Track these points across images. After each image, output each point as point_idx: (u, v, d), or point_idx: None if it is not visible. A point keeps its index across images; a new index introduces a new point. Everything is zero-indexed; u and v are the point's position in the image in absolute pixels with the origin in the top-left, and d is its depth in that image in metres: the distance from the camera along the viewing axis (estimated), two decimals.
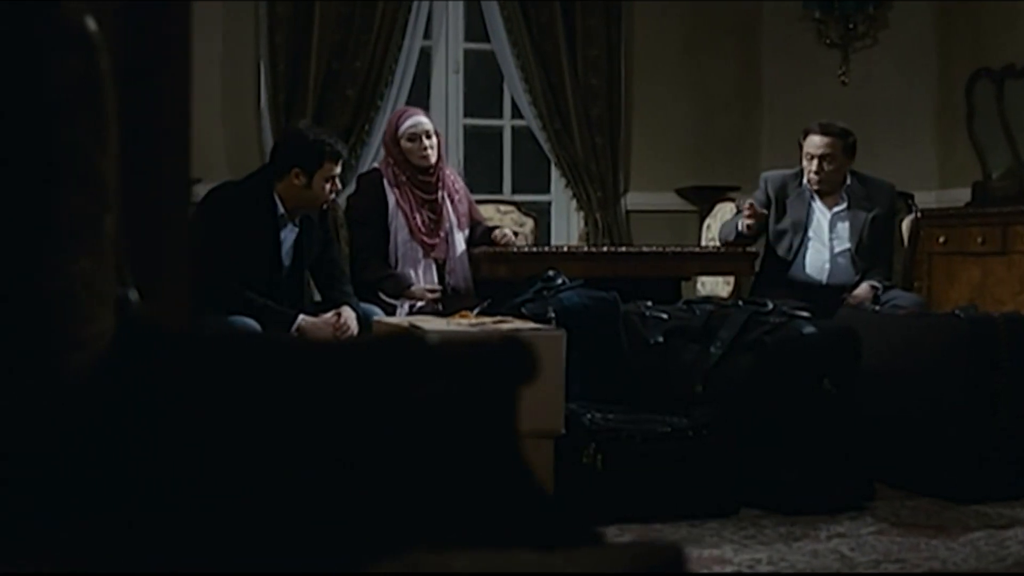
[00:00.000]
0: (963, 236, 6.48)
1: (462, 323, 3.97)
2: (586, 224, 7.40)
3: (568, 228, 7.60)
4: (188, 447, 1.44)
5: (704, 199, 7.27)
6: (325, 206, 4.87)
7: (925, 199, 7.21)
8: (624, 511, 3.90)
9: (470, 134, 7.45)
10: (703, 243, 6.71)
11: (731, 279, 6.30)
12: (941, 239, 6.55)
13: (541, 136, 7.35)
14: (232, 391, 1.46)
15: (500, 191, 7.47)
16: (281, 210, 4.76)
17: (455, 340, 1.49)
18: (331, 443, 1.42)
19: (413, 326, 3.89)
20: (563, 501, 1.38)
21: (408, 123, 5.37)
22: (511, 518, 1.35)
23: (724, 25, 7.68)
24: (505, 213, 6.71)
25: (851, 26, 7.56)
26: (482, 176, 7.51)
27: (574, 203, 7.45)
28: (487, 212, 6.60)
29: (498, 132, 7.57)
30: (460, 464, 1.38)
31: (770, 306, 4.32)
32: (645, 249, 5.77)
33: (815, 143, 5.71)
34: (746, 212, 5.64)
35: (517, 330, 3.92)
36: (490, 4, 7.29)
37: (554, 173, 7.52)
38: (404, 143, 5.35)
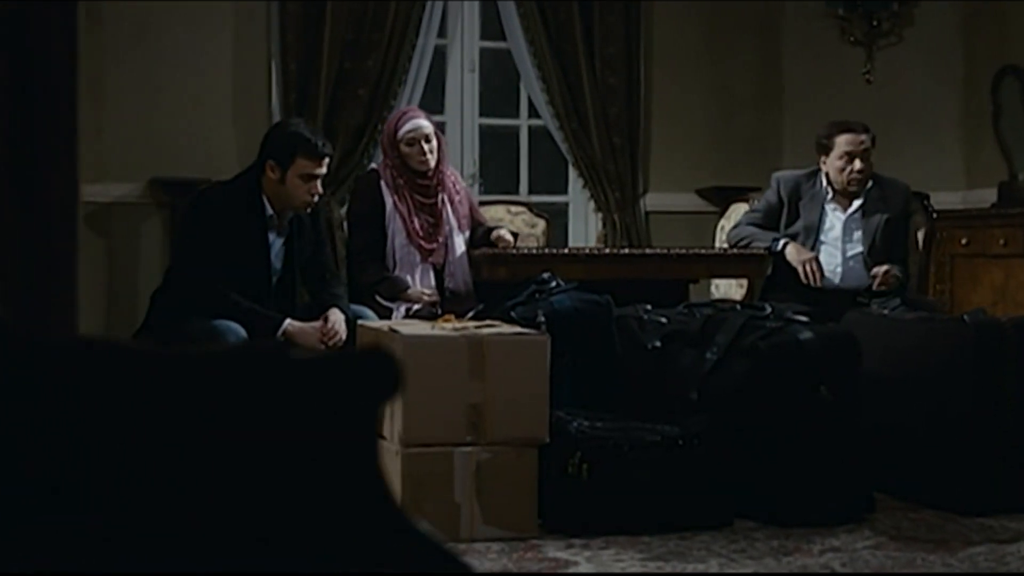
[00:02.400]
0: (985, 238, 6.31)
1: (445, 327, 3.87)
2: (604, 226, 7.27)
3: (586, 230, 7.47)
4: (36, 457, 1.35)
5: (725, 200, 7.13)
6: (309, 209, 4.73)
7: (951, 200, 7.06)
8: (611, 523, 3.78)
9: (486, 134, 7.34)
10: (717, 245, 6.57)
11: (744, 282, 6.16)
12: (963, 241, 6.39)
13: (558, 136, 7.23)
14: (85, 401, 1.37)
15: (516, 192, 7.36)
16: (269, 211, 4.66)
17: (322, 353, 1.40)
18: (181, 456, 1.33)
19: (392, 330, 3.79)
20: (417, 524, 1.28)
21: (407, 127, 5.25)
22: (360, 541, 1.26)
23: (745, 23, 7.53)
24: (516, 214, 6.61)
25: (875, 24, 7.39)
26: (498, 177, 7.41)
27: (592, 204, 7.33)
28: (498, 213, 6.50)
29: (514, 132, 7.46)
30: (308, 484, 1.28)
31: (768, 310, 4.19)
32: (649, 251, 5.64)
33: (854, 141, 5.52)
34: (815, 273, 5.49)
35: (500, 334, 3.81)
36: (506, 2, 7.18)
37: (572, 174, 7.40)
38: (403, 147, 5.24)
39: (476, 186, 7.16)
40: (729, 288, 6.42)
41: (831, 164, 5.58)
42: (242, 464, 1.30)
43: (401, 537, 1.27)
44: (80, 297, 5.72)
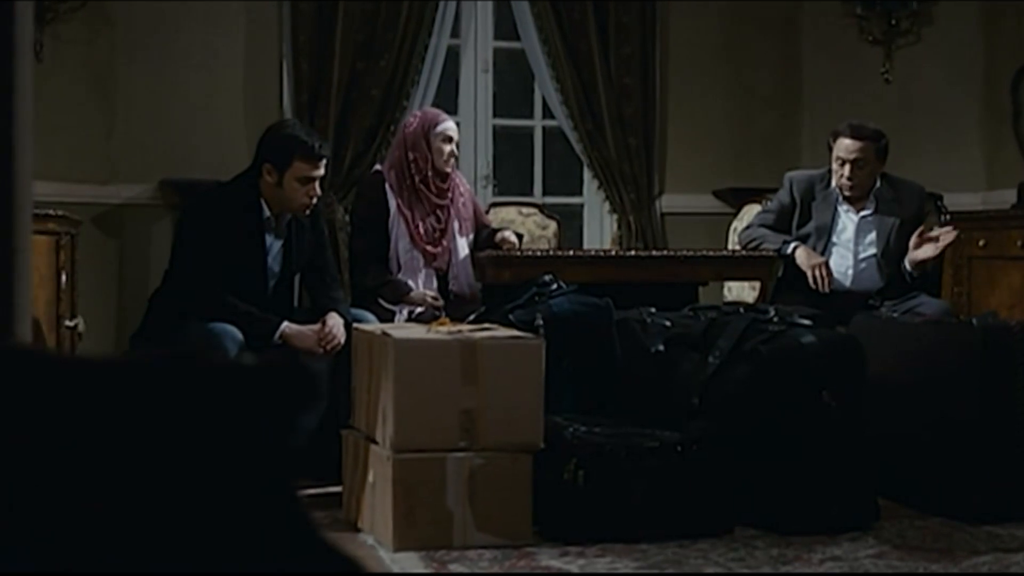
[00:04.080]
0: (1003, 240, 6.19)
1: (440, 331, 3.81)
2: (619, 227, 7.19)
3: (601, 231, 7.39)
4: None
5: (742, 201, 7.04)
6: (308, 211, 4.68)
7: (971, 200, 6.95)
8: (607, 530, 3.72)
9: (500, 134, 7.27)
10: (730, 246, 6.48)
11: (757, 284, 6.07)
12: (980, 243, 6.28)
13: (573, 137, 7.15)
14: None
15: (531, 193, 7.28)
16: (267, 213, 4.61)
17: (235, 362, 1.35)
18: (85, 466, 1.28)
19: (384, 333, 3.74)
20: (330, 541, 1.24)
21: (444, 124, 5.29)
22: (267, 553, 1.21)
23: (763, 22, 7.44)
24: (528, 216, 6.55)
25: (894, 22, 7.29)
26: (512, 178, 7.34)
27: (607, 206, 7.24)
28: (510, 215, 6.45)
29: (528, 133, 7.38)
30: (214, 496, 1.23)
31: (771, 313, 4.12)
32: (656, 253, 5.56)
33: (846, 147, 5.45)
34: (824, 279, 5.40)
35: (494, 338, 3.75)
36: (520, 2, 7.11)
37: (586, 175, 7.32)
38: (436, 143, 5.22)
39: (490, 187, 7.10)
40: (742, 290, 6.33)
41: (834, 167, 5.51)
42: (146, 472, 1.26)
43: (310, 550, 1.22)
44: (85, 298, 5.64)
